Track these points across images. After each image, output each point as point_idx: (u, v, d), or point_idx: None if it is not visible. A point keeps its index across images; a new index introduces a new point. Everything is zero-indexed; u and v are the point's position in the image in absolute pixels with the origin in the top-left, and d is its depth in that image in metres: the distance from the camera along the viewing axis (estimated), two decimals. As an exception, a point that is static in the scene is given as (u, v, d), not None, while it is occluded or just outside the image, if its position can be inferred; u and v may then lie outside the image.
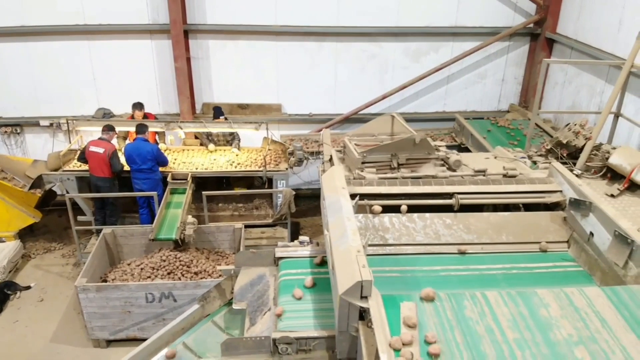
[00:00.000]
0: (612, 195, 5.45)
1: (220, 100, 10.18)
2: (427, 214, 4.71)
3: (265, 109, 10.28)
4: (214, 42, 9.74)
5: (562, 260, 4.66)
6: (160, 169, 8.34)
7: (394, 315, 3.27)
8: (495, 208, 5.18)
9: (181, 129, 8.81)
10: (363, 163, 5.34)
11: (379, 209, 4.65)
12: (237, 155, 9.05)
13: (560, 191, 4.89)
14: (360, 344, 3.26)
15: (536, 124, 9.68)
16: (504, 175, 5.27)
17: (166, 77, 9.86)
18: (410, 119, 10.64)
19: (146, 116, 9.33)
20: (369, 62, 10.19)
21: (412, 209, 4.73)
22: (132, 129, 8.75)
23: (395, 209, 4.71)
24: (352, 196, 4.54)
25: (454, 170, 5.52)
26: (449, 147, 9.62)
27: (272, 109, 10.30)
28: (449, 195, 4.81)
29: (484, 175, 5.31)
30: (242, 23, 9.59)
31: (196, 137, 9.71)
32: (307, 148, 9.19)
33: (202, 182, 8.96)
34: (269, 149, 9.25)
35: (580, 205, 4.48)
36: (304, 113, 10.47)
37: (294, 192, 8.09)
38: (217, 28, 9.59)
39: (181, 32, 9.23)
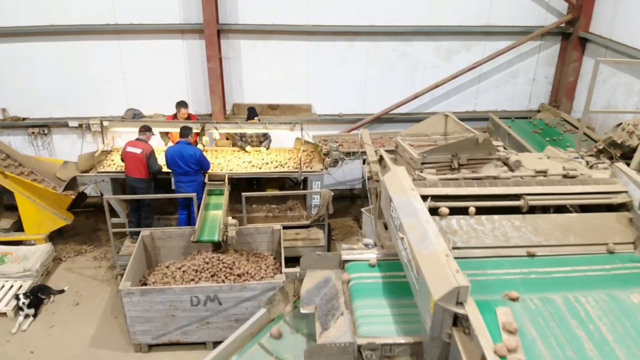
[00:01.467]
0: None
1: (250, 101, 10.10)
2: (496, 216, 4.62)
3: (295, 110, 10.20)
4: (245, 42, 9.66)
5: (630, 261, 4.58)
6: (197, 170, 8.28)
7: (490, 320, 3.19)
8: (557, 209, 5.09)
9: (217, 129, 8.72)
10: (423, 164, 5.26)
11: (447, 211, 4.56)
12: (267, 153, 8.95)
13: (626, 192, 4.81)
14: (457, 351, 3.17)
15: (570, 124, 9.61)
16: (565, 176, 5.19)
17: (197, 78, 9.78)
18: (440, 119, 10.68)
19: (189, 117, 9.24)
20: (399, 62, 10.10)
21: (479, 210, 4.65)
22: (173, 130, 8.69)
23: (463, 211, 4.63)
24: (422, 198, 4.46)
25: (513, 171, 5.44)
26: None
27: (302, 110, 10.22)
28: (516, 197, 4.72)
29: (544, 176, 5.23)
30: (274, 23, 9.51)
31: (227, 138, 9.63)
32: (342, 147, 9.11)
33: (234, 184, 8.88)
34: (303, 150, 9.17)
35: (649, 206, 4.41)
36: (334, 113, 10.39)
37: (332, 193, 8.01)
38: (249, 28, 9.50)
39: (215, 32, 9.15)
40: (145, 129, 8.14)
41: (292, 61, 9.88)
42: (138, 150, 7.92)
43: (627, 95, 8.79)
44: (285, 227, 8.58)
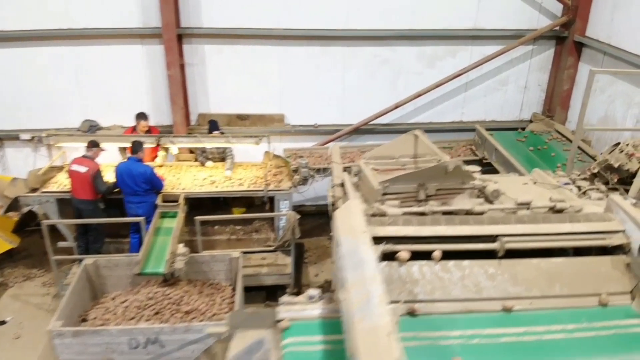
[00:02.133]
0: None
1: (217, 111, 9.33)
2: (466, 262, 3.85)
3: (266, 120, 9.42)
4: (210, 47, 8.89)
5: (626, 316, 3.81)
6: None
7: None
8: (542, 251, 4.31)
9: (173, 144, 7.94)
10: (384, 195, 4.48)
11: (406, 255, 3.78)
12: (229, 178, 8.14)
13: (623, 231, 4.03)
14: None
15: (564, 137, 8.82)
16: (552, 209, 4.42)
17: (158, 86, 9.01)
18: (425, 129, 9.86)
19: (150, 130, 8.46)
20: (379, 68, 9.33)
21: (446, 255, 3.87)
22: (129, 145, 7.91)
23: (426, 255, 3.85)
24: (375, 240, 3.68)
25: (492, 202, 4.67)
26: (468, 162, 8.88)
27: (274, 120, 9.44)
28: (492, 238, 3.94)
29: (528, 209, 4.45)
30: (241, 26, 8.74)
31: (191, 152, 8.86)
32: (313, 164, 8.33)
33: (198, 203, 8.11)
34: (271, 165, 8.40)
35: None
36: (309, 124, 9.62)
37: (298, 216, 7.21)
38: (214, 32, 8.73)
39: (174, 36, 8.38)
40: (93, 145, 7.36)
41: (263, 68, 9.11)
42: (83, 169, 7.14)
43: (627, 105, 8.00)
44: (249, 252, 7.81)
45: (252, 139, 7.97)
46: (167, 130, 9.09)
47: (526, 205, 4.46)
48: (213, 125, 8.41)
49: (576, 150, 5.63)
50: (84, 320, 6.39)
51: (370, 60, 9.22)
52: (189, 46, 8.85)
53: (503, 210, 4.41)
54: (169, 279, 6.59)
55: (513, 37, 9.16)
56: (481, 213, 4.40)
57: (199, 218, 7.18)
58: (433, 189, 4.52)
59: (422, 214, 4.36)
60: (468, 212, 4.42)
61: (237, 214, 8.58)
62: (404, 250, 3.81)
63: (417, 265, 3.80)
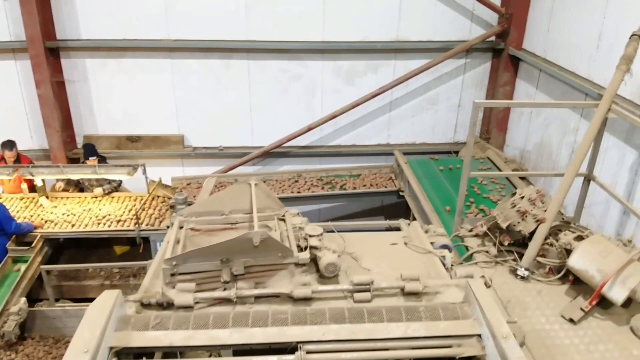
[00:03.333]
0: (571, 320, 3.53)
1: (105, 132, 8.19)
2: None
3: (161, 142, 8.29)
4: (92, 61, 7.76)
5: None
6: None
7: None
8: None
9: (32, 175, 6.79)
10: (173, 275, 3.35)
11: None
12: (99, 198, 7.07)
13: (478, 335, 2.92)
14: None
15: (495, 165, 7.74)
16: (402, 291, 3.31)
17: (37, 106, 7.84)
18: (347, 153, 8.78)
19: (19, 158, 7.31)
20: (291, 85, 8.21)
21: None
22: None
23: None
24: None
25: (328, 278, 3.55)
26: (384, 193, 7.77)
27: (170, 142, 8.30)
28: (290, 347, 2.83)
29: (369, 292, 3.34)
30: (126, 37, 7.61)
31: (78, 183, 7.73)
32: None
33: (64, 243, 6.99)
34: (157, 196, 7.28)
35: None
36: (213, 146, 8.48)
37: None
38: (95, 44, 7.61)
39: (41, 51, 7.24)
40: None
41: (154, 83, 7.98)
42: None
43: (562, 132, 6.91)
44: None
45: (125, 168, 6.83)
46: (47, 156, 7.97)
47: (366, 286, 3.35)
48: (88, 150, 7.26)
49: (465, 192, 4.50)
50: None
51: (279, 75, 8.11)
52: (67, 60, 7.71)
53: (343, 292, 3.30)
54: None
55: (442, 50, 8.06)
56: (306, 298, 3.30)
57: (44, 267, 6.03)
58: (242, 265, 3.39)
59: (228, 300, 3.26)
60: (290, 296, 3.32)
61: (119, 252, 7.46)
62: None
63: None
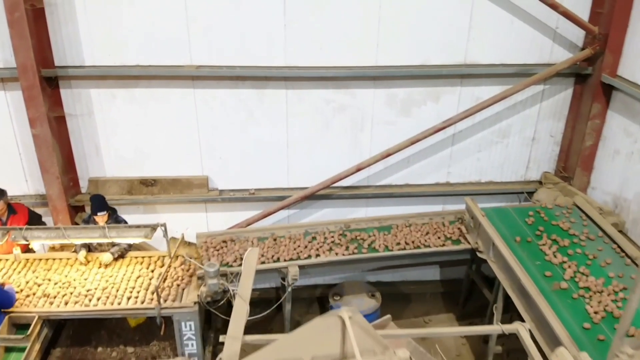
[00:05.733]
0: None
1: (114, 174, 6.89)
2: None
3: (182, 186, 6.98)
4: (97, 92, 6.42)
5: None
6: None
7: None
8: None
9: (27, 240, 5.51)
10: None
11: None
12: (106, 265, 5.84)
13: None
14: None
15: (586, 215, 6.42)
16: None
17: (32, 144, 6.52)
18: (399, 194, 7.45)
19: (13, 209, 6.05)
20: (336, 117, 6.87)
21: None
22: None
23: None
24: None
25: None
26: (454, 252, 6.46)
27: (192, 185, 7.00)
28: None
29: None
30: (139, 63, 6.28)
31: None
32: (235, 260, 5.91)
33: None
34: (179, 262, 6.00)
35: None
36: (243, 189, 7.18)
37: None
38: (101, 72, 6.26)
39: (37, 81, 5.91)
40: None
41: (174, 117, 6.65)
42: None
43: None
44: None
45: (141, 230, 5.53)
46: (45, 203, 6.69)
47: None
48: (96, 204, 5.94)
49: (634, 310, 3.21)
50: None
51: (322, 106, 6.76)
52: (68, 91, 6.38)
53: None
54: None
55: (517, 75, 6.70)
56: None
57: None
58: None
59: None
60: None
61: (134, 324, 6.20)
62: None
63: None
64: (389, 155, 6.80)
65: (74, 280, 5.71)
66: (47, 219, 6.76)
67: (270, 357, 2.90)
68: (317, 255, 6.13)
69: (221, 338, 3.79)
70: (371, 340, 2.93)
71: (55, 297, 5.45)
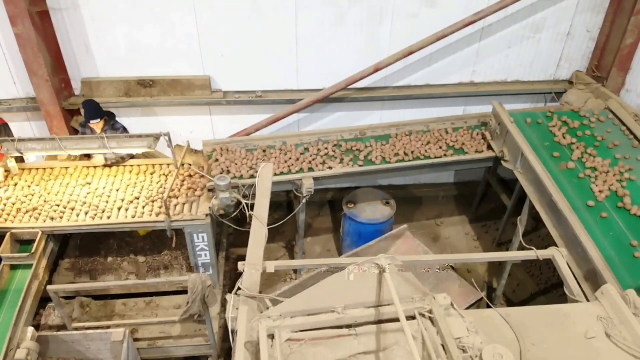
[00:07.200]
0: None
1: (109, 74, 6.28)
2: None
3: (182, 87, 6.40)
4: (81, -21, 5.63)
5: None
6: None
7: None
8: None
9: (21, 152, 5.09)
10: None
11: None
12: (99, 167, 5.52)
13: None
14: None
15: (617, 117, 5.99)
16: None
17: (17, 45, 5.83)
18: (418, 96, 6.91)
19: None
20: (351, 8, 6.11)
21: None
22: None
23: None
24: None
25: None
26: (477, 160, 6.09)
27: (194, 86, 6.42)
28: None
29: None
30: (126, -56, 5.42)
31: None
32: (248, 171, 5.56)
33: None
34: (185, 169, 5.64)
35: None
36: (249, 90, 6.62)
37: (209, 283, 4.60)
38: (83, -46, 5.42)
39: (10, -33, 5.11)
40: None
41: (170, 9, 5.90)
42: None
43: None
44: (143, 324, 5.28)
45: (143, 140, 5.10)
46: (37, 107, 6.17)
47: None
48: (89, 111, 5.44)
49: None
50: None
51: (336, -4, 6.00)
52: (48, -22, 5.59)
53: None
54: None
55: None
56: None
57: (51, 288, 4.59)
58: None
59: None
60: None
61: (143, 233, 6.01)
62: None
63: None
64: (411, 53, 6.17)
65: (76, 190, 5.40)
66: (41, 124, 6.31)
67: (300, 307, 2.64)
68: (329, 167, 5.75)
69: (240, 266, 3.56)
70: (410, 287, 2.65)
71: (57, 210, 5.15)
